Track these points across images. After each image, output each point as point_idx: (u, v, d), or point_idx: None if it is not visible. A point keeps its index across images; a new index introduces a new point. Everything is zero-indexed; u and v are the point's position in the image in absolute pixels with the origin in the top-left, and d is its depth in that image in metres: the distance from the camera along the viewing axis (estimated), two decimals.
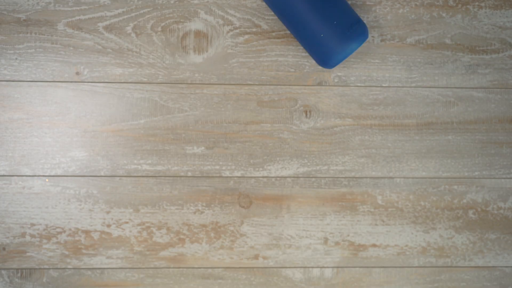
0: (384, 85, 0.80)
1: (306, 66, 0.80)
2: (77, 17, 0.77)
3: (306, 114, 0.80)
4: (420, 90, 0.81)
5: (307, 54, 0.79)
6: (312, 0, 0.72)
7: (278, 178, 0.80)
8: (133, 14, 0.78)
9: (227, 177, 0.80)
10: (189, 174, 0.80)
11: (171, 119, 0.79)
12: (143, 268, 0.80)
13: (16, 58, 0.77)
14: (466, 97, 0.81)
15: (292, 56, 0.79)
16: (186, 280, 0.81)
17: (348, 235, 0.82)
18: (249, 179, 0.80)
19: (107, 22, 0.78)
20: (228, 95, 0.79)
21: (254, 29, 0.79)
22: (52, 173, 0.79)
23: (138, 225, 0.80)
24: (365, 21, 0.79)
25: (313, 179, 0.81)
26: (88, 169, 0.79)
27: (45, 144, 0.78)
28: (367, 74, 0.80)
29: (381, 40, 0.80)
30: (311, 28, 0.72)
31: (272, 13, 0.79)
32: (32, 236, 0.79)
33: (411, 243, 0.82)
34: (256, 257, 0.81)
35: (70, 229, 0.79)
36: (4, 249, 0.79)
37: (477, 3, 0.80)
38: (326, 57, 0.73)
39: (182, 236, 0.80)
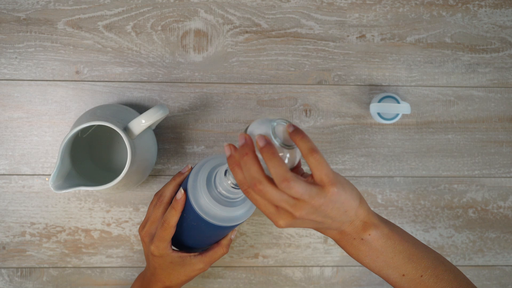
0: (384, 84, 0.80)
1: (306, 65, 0.79)
2: (77, 16, 0.77)
3: (306, 113, 0.80)
4: (420, 89, 0.81)
5: (307, 53, 0.79)
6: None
7: None
8: (133, 13, 0.78)
9: None
10: None
11: (171, 118, 0.79)
12: (143, 267, 0.80)
13: (16, 57, 0.77)
14: (466, 96, 0.81)
15: (292, 55, 0.79)
16: None
17: None
18: None
19: (107, 21, 0.78)
20: (228, 94, 0.79)
21: (254, 28, 0.79)
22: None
23: (138, 224, 0.80)
24: (364, 20, 0.79)
25: None
26: None
27: (45, 143, 0.78)
28: (367, 73, 0.80)
29: (381, 39, 0.80)
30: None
31: (272, 12, 0.79)
32: (32, 235, 0.79)
33: None
34: (256, 256, 0.81)
35: (70, 228, 0.79)
36: (4, 248, 0.79)
37: (477, 2, 0.80)
38: None
39: None
